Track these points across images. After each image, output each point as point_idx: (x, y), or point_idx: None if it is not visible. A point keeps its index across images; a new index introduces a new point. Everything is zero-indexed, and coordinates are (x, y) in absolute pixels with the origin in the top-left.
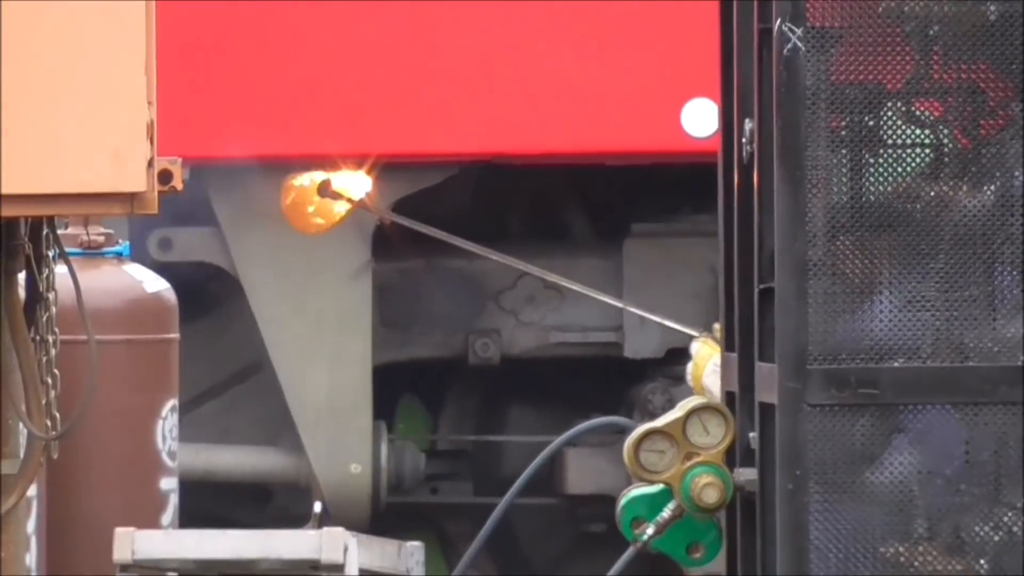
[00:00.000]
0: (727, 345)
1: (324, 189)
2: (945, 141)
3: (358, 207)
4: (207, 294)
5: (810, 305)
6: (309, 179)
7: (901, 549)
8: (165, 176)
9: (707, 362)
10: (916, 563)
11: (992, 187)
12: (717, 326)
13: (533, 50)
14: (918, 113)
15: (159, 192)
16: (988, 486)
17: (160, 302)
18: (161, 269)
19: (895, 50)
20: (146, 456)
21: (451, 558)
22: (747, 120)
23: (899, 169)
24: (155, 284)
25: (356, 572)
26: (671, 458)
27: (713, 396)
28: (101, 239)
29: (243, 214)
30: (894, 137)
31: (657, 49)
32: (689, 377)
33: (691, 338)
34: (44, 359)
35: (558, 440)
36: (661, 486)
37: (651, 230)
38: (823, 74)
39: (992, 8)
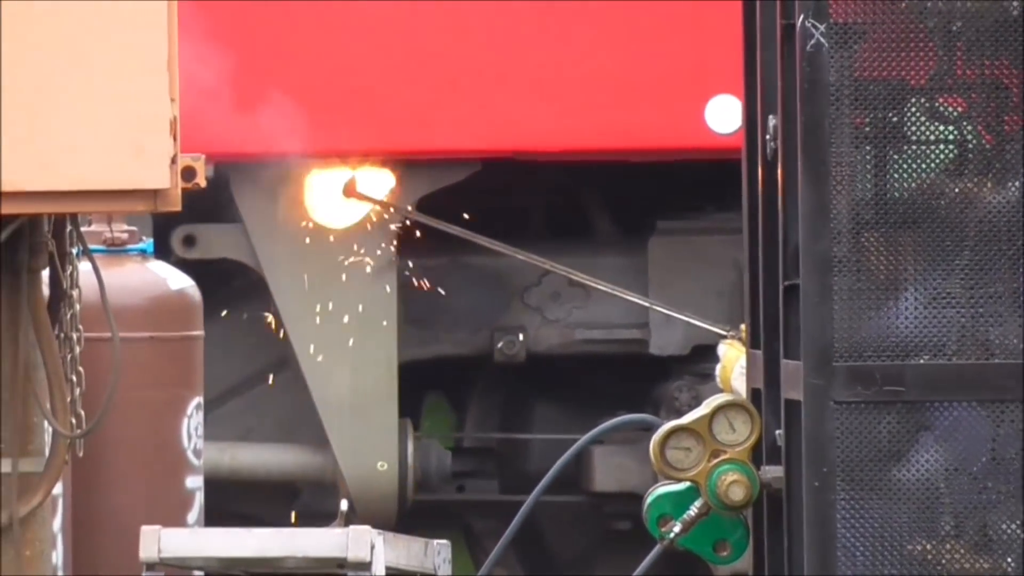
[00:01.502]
0: (752, 342)
1: (348, 189)
2: (969, 137)
3: (381, 206)
4: (231, 291)
5: (835, 302)
6: (333, 176)
7: (928, 546)
8: (188, 173)
9: (735, 364)
10: (943, 560)
11: (1016, 183)
12: (744, 327)
13: (557, 47)
14: (942, 109)
15: (182, 189)
16: (1014, 483)
17: (184, 299)
18: (185, 266)
19: (918, 46)
20: (171, 454)
21: (477, 556)
22: (771, 116)
23: (923, 165)
24: (179, 281)
25: (383, 570)
26: (697, 455)
27: (741, 398)
28: (125, 236)
29: (267, 211)
30: (918, 133)
31: (681, 45)
32: (718, 379)
33: (717, 335)
34: (68, 357)
35: (584, 438)
36: (687, 484)
37: (675, 227)
38: (846, 70)
39: (1015, 3)
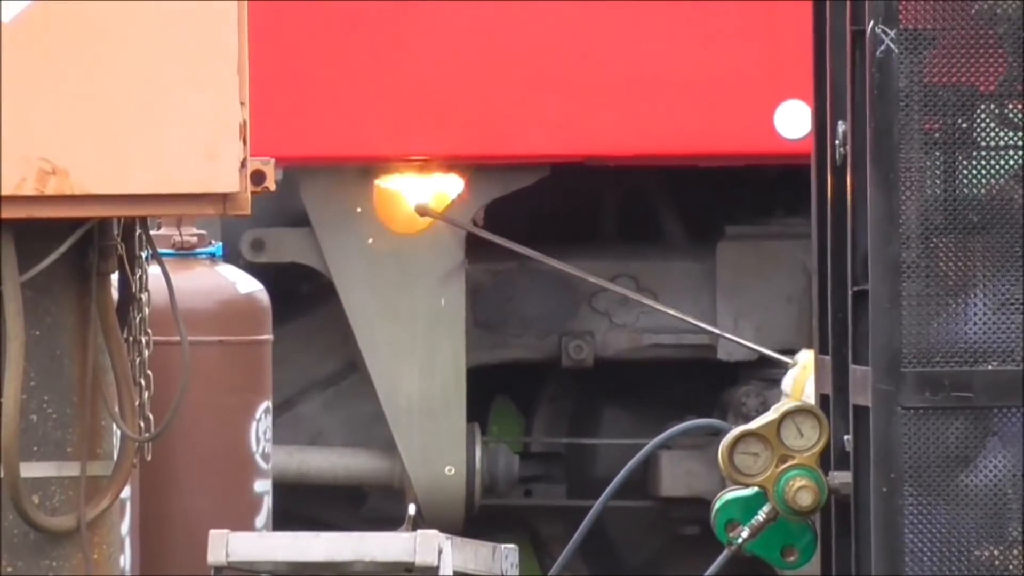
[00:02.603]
0: (821, 348)
1: (420, 209)
2: None
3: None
4: (300, 295)
5: (904, 307)
6: (403, 180)
7: (996, 552)
8: (258, 177)
9: (812, 372)
10: (1011, 566)
11: None
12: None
13: (627, 51)
14: (1011, 115)
15: (252, 193)
16: None
17: (253, 303)
18: (253, 270)
19: (988, 52)
20: (240, 458)
21: (544, 560)
22: (840, 122)
23: (992, 170)
24: (248, 285)
25: (450, 574)
26: (765, 461)
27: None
28: (194, 240)
29: (336, 214)
30: (987, 139)
31: (751, 50)
32: (790, 381)
33: (786, 339)
34: (137, 360)
35: (652, 442)
36: (755, 489)
37: (744, 232)
38: (916, 76)
39: None
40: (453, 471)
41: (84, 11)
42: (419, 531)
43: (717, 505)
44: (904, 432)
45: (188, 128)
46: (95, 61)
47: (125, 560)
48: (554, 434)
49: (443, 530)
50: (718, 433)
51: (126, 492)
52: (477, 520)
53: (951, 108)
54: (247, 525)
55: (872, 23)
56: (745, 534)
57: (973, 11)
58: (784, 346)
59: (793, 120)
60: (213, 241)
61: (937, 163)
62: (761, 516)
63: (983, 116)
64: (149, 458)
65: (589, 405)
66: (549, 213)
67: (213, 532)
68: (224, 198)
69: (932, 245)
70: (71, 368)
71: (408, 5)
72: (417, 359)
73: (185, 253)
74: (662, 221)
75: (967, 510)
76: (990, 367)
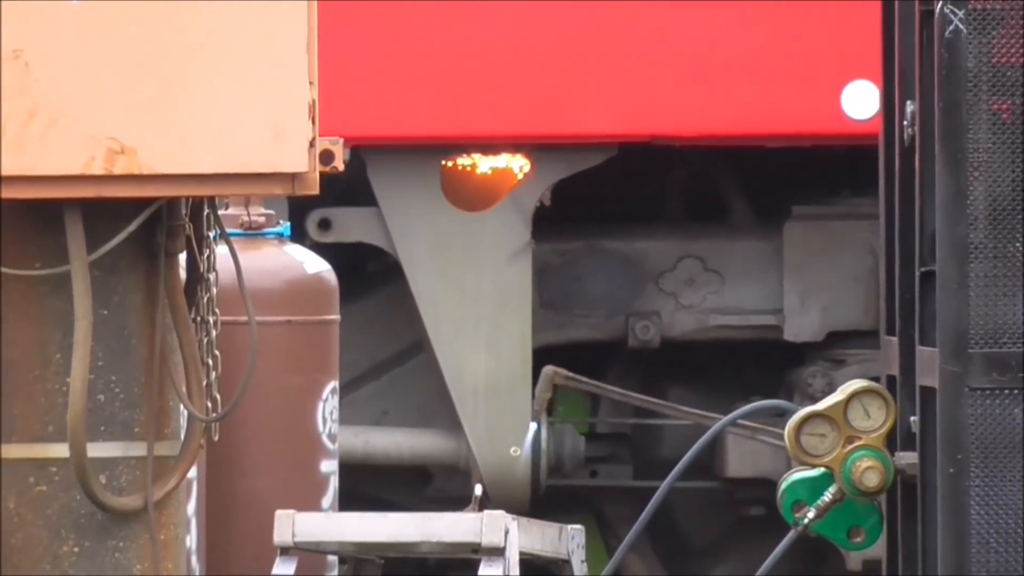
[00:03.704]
0: (888, 328)
1: (487, 188)
2: None
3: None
4: (367, 275)
5: (971, 288)
6: (469, 160)
7: None
8: (326, 156)
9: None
10: None
11: None
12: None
13: (694, 31)
14: None
15: (320, 172)
16: None
17: (321, 283)
18: (320, 249)
19: None
20: (307, 438)
21: (610, 541)
22: (908, 102)
23: None
24: (316, 265)
25: (516, 555)
26: (832, 442)
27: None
28: (262, 220)
29: (403, 194)
30: None
31: (819, 31)
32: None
33: (853, 320)
34: (205, 340)
35: (719, 423)
36: (822, 470)
37: (811, 212)
38: (985, 56)
39: None
40: (519, 452)
41: None
42: (485, 512)
43: (783, 486)
44: (971, 413)
45: (256, 108)
46: (163, 41)
47: (191, 540)
48: (620, 415)
49: (509, 511)
50: (785, 414)
51: (193, 472)
52: (543, 501)
53: (1019, 88)
54: (313, 505)
55: (941, 3)
56: (811, 515)
57: None
58: (851, 326)
59: (861, 100)
60: (281, 221)
61: (1005, 144)
62: (827, 497)
63: None
64: (216, 438)
65: (655, 385)
66: (616, 193)
67: (279, 512)
68: (292, 178)
69: (1000, 225)
70: (139, 348)
71: None
72: (483, 339)
73: (253, 233)
74: (728, 201)
75: None
76: None
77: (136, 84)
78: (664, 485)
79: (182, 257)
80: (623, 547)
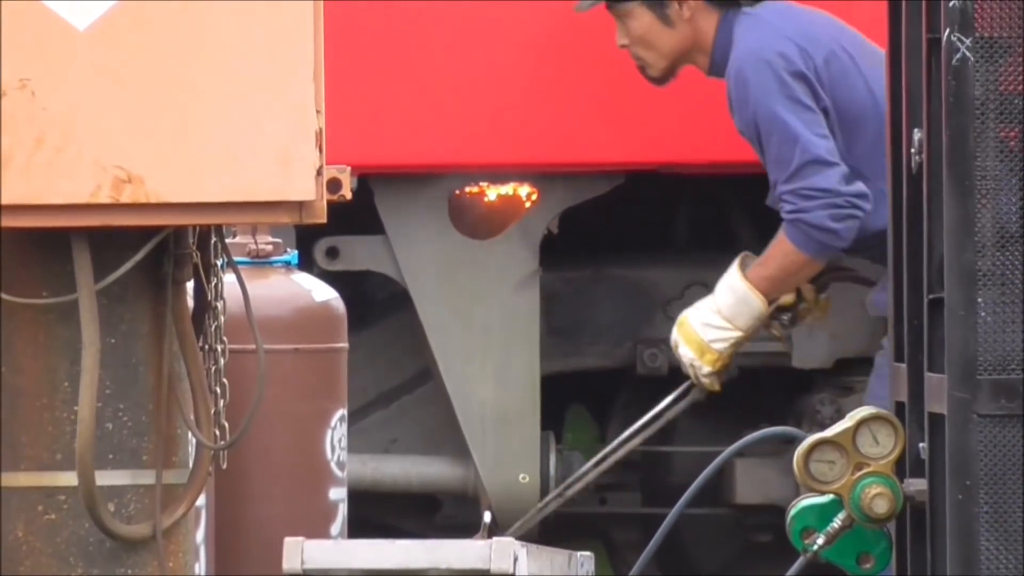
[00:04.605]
0: (896, 355)
1: (493, 216)
2: None
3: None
4: (374, 303)
5: (979, 315)
6: (475, 188)
7: None
8: (334, 185)
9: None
10: None
11: None
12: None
13: None
14: None
15: (327, 201)
16: None
17: (329, 311)
18: (328, 278)
19: None
20: (315, 466)
21: (619, 568)
22: (916, 130)
23: None
24: (324, 293)
25: None
26: (841, 468)
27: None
28: (269, 248)
29: (410, 222)
30: None
31: None
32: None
33: (862, 347)
34: (213, 368)
35: (728, 450)
36: (831, 496)
37: None
38: (992, 84)
39: None
40: (527, 479)
41: (159, 18)
42: (494, 538)
43: (792, 512)
44: (980, 440)
45: (263, 136)
46: (170, 68)
47: (200, 568)
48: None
49: (518, 538)
50: (793, 441)
51: (201, 500)
52: (552, 528)
53: None
54: (322, 533)
55: (948, 31)
56: (820, 541)
57: None
58: (859, 353)
59: None
60: (288, 249)
61: (1013, 171)
62: (837, 523)
63: None
64: (224, 466)
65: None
66: (623, 220)
67: (288, 540)
68: (300, 206)
69: (1007, 253)
70: (146, 376)
71: (482, 12)
72: (491, 367)
73: (260, 261)
74: (736, 228)
75: None
76: None
77: (143, 112)
78: (673, 512)
79: (189, 285)
80: (632, 574)
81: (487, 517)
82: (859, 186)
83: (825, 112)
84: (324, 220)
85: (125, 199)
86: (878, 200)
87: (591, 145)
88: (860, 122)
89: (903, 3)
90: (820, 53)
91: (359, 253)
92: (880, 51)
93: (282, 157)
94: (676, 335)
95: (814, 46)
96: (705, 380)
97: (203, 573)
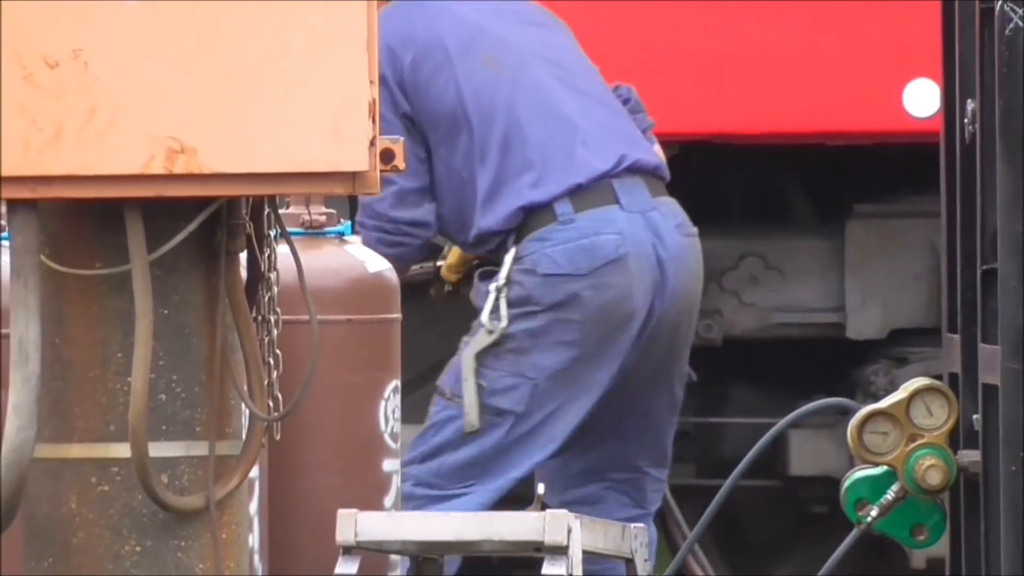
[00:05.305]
0: (949, 326)
1: None
2: None
3: None
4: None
5: None
6: None
7: None
8: (387, 155)
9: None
10: None
11: None
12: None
13: (755, 30)
14: None
15: (380, 171)
16: None
17: (382, 282)
18: None
19: None
20: (369, 437)
21: (673, 539)
22: (969, 101)
23: None
24: (377, 264)
25: (580, 554)
26: (895, 440)
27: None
28: (323, 219)
29: None
30: None
31: (879, 29)
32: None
33: (915, 318)
34: (266, 339)
35: (782, 422)
36: (884, 468)
37: (873, 211)
38: None
39: None
40: None
41: None
42: (548, 511)
43: (846, 484)
44: None
45: (317, 106)
46: (222, 38)
47: (253, 539)
48: (683, 413)
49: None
50: (847, 412)
51: (254, 472)
52: None
53: None
54: (375, 504)
55: (1000, 1)
56: (874, 513)
57: None
58: (913, 324)
59: (922, 99)
60: (342, 219)
61: None
62: (890, 495)
63: None
64: (278, 437)
65: (718, 384)
66: (677, 192)
67: (341, 512)
68: (353, 176)
69: None
70: (199, 347)
71: None
72: None
73: (314, 232)
74: (790, 199)
75: None
76: None
77: (195, 83)
78: (727, 483)
79: (243, 256)
80: (686, 546)
81: (540, 489)
82: (416, 212)
83: (409, 119)
84: (377, 190)
85: (178, 170)
86: (484, 203)
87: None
88: (454, 129)
89: None
90: (410, 54)
91: None
92: (560, 40)
93: (335, 127)
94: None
95: (405, 46)
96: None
97: (256, 544)
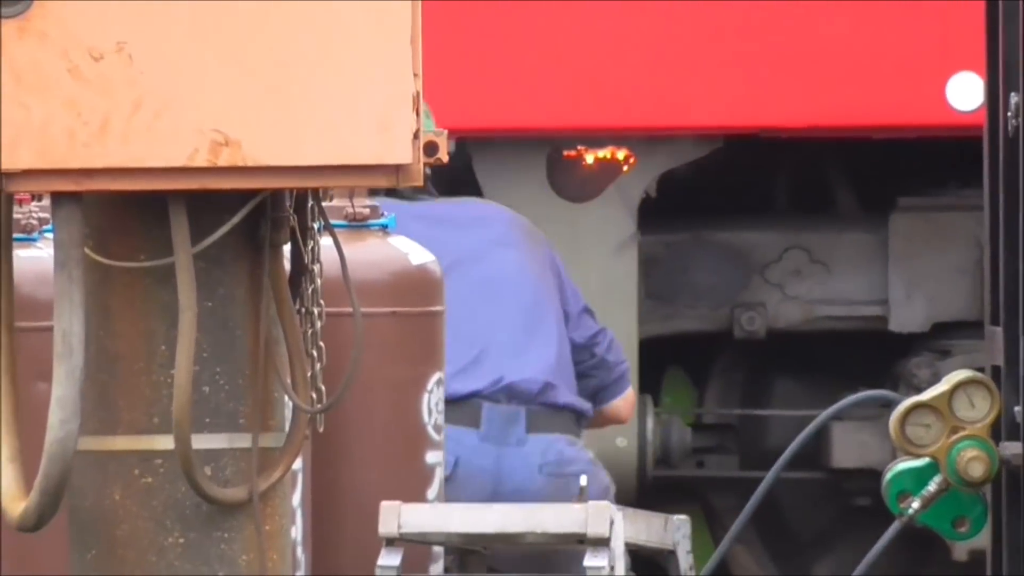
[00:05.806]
0: (992, 319)
1: (592, 180)
2: None
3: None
4: None
5: None
6: (573, 151)
7: None
8: (431, 148)
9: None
10: None
11: None
12: None
13: (799, 23)
14: None
15: (424, 164)
16: None
17: (425, 274)
18: None
19: None
20: (412, 429)
21: (716, 532)
22: (1012, 94)
23: None
24: (420, 256)
25: (622, 546)
26: (937, 432)
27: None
28: (367, 211)
29: (508, 186)
30: None
31: (923, 22)
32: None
33: (958, 310)
34: (309, 331)
35: (824, 414)
36: (927, 460)
37: (917, 204)
38: None
39: None
40: (625, 443)
41: None
42: (590, 503)
43: (888, 476)
44: None
45: (361, 99)
46: (267, 31)
47: (297, 531)
48: (726, 405)
49: (615, 501)
50: (890, 404)
51: (298, 464)
52: (649, 491)
53: None
54: (418, 497)
55: None
56: (916, 505)
57: None
58: (956, 317)
59: (965, 92)
60: (385, 212)
61: None
62: (932, 487)
63: None
64: (321, 430)
65: (761, 376)
66: (722, 184)
67: (385, 504)
68: (397, 169)
69: None
70: (243, 339)
71: None
72: None
73: (357, 224)
74: (834, 192)
75: None
76: None
77: (240, 76)
78: (770, 475)
79: (286, 249)
80: (728, 538)
81: (583, 481)
82: None
83: None
84: (421, 183)
85: (223, 162)
86: None
87: (689, 109)
88: None
89: None
90: None
91: None
92: None
93: (379, 120)
94: None
95: None
96: None
97: (299, 536)
